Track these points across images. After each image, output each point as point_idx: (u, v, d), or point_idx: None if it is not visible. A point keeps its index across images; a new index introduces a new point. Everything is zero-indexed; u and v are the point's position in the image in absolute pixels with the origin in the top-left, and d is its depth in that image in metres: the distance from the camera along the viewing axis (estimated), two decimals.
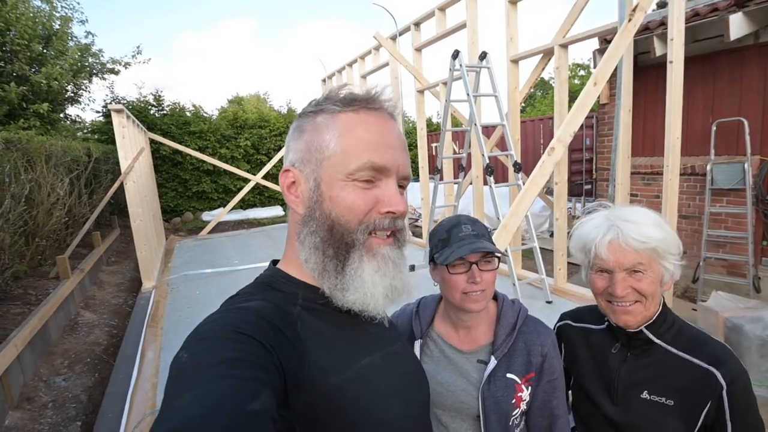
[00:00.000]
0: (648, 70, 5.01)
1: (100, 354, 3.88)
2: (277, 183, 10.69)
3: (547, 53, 4.51)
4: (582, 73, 17.73)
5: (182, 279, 5.57)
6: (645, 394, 0.99)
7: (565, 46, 4.15)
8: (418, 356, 1.05)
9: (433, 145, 11.55)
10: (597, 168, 6.71)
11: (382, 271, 0.61)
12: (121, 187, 5.37)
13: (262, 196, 11.42)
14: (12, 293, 4.07)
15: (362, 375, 0.60)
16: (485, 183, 5.15)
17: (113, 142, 9.46)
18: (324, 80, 9.24)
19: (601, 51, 4.89)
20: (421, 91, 6.16)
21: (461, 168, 5.26)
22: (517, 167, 4.31)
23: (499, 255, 0.97)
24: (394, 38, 6.26)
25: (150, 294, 5.04)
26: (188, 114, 10.75)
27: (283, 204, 11.70)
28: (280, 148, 10.88)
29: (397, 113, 0.66)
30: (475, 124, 4.37)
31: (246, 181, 9.92)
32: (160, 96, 10.47)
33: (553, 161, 2.78)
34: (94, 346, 4.01)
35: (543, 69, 4.83)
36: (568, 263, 4.39)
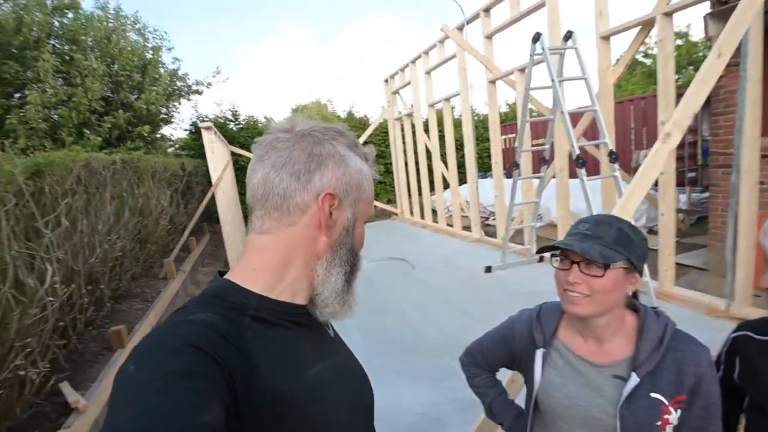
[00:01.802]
0: None
1: None
2: None
3: (647, 24, 3.99)
4: (679, 42, 15.69)
5: None
6: None
7: (669, 15, 3.64)
8: (540, 366, 1.01)
9: (503, 137, 11.00)
10: (705, 152, 5.91)
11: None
12: (212, 196, 5.86)
13: None
14: (132, 292, 4.76)
15: (313, 383, 0.62)
16: (572, 176, 4.77)
17: (200, 156, 10.30)
18: (387, 80, 9.17)
19: (715, 15, 4.22)
20: (493, 82, 5.83)
21: (543, 161, 4.87)
22: (613, 157, 3.87)
23: (600, 263, 0.89)
24: (461, 28, 6.01)
25: None
26: (261, 126, 11.26)
27: None
28: None
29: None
30: (562, 112, 4.00)
31: None
32: (236, 111, 11.12)
33: (669, 149, 2.40)
34: None
35: (642, 43, 4.30)
36: (677, 264, 3.87)
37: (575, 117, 6.33)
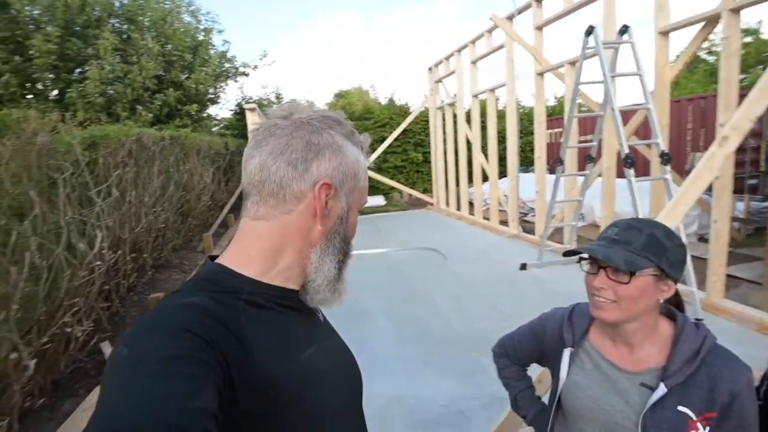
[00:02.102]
0: None
1: None
2: (381, 174, 10.86)
3: (711, 21, 3.72)
4: (748, 39, 14.48)
5: None
6: None
7: (736, 11, 3.37)
8: (567, 366, 1.00)
9: (548, 132, 10.62)
10: None
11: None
12: None
13: None
14: (172, 262, 5.02)
15: (306, 367, 0.62)
16: (620, 176, 4.56)
17: (243, 136, 10.60)
18: (430, 69, 9.02)
19: None
20: (541, 74, 5.62)
21: (588, 158, 4.67)
22: (666, 158, 3.65)
23: (625, 270, 0.87)
24: (511, 18, 5.80)
25: None
26: None
27: (385, 194, 11.84)
28: (383, 139, 10.99)
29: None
30: (612, 108, 3.80)
31: None
32: (280, 94, 11.33)
33: (725, 153, 2.24)
34: None
35: (704, 39, 4.02)
36: (727, 276, 3.63)
37: (627, 114, 6.04)
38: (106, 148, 3.48)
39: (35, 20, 7.85)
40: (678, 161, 6.62)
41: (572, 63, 5.03)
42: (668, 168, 3.64)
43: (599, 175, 4.93)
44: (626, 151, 3.58)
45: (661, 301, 0.91)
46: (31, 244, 2.22)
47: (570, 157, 5.24)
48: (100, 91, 7.73)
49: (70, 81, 8.03)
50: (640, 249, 0.88)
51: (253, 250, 0.64)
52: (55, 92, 8.29)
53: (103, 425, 0.41)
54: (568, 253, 1.00)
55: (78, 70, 8.42)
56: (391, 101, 12.82)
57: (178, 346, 0.48)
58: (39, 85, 8.28)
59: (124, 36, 8.67)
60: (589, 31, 4.00)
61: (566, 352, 1.02)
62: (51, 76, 7.97)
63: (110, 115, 7.86)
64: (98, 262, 2.57)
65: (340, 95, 19.89)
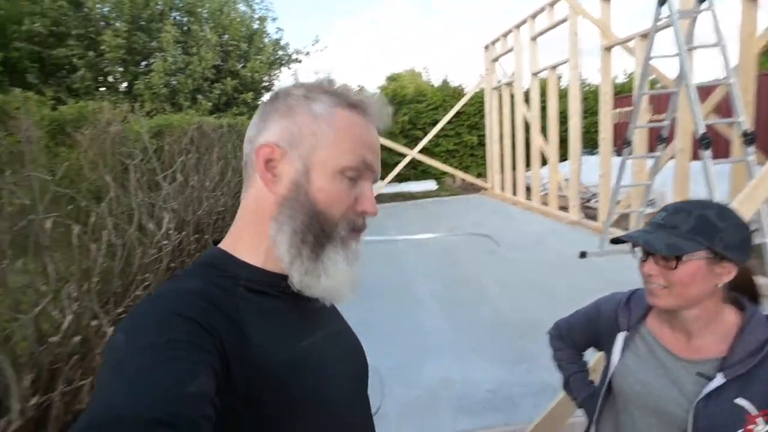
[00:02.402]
0: None
1: None
2: (432, 158, 10.69)
3: None
4: None
5: None
6: None
7: None
8: (620, 350, 0.99)
9: (616, 111, 9.89)
10: None
11: (351, 264, 0.64)
12: None
13: (416, 170, 11.59)
14: None
15: (306, 353, 0.61)
16: (695, 158, 4.18)
17: None
18: (486, 47, 8.67)
19: None
20: (608, 48, 5.23)
21: (660, 139, 4.30)
22: (749, 138, 3.29)
23: (668, 256, 0.85)
24: None
25: None
26: None
27: (437, 178, 11.66)
28: (435, 122, 10.77)
29: (382, 126, 0.68)
30: (687, 85, 3.46)
31: (401, 155, 10.16)
32: (331, 81, 11.41)
33: None
34: None
35: None
36: None
37: (705, 91, 5.49)
38: (170, 136, 3.70)
39: (105, 17, 8.45)
40: (764, 141, 5.95)
41: (643, 36, 4.63)
42: (752, 149, 3.27)
43: (672, 158, 4.54)
44: (702, 130, 3.26)
45: (719, 285, 0.87)
46: (107, 224, 2.42)
47: (639, 138, 4.86)
48: (164, 82, 8.23)
49: (137, 73, 8.60)
50: (687, 232, 0.86)
51: (243, 232, 0.63)
52: (125, 84, 8.92)
53: (99, 412, 0.41)
54: (614, 241, 0.98)
55: (144, 62, 8.99)
56: (445, 83, 12.52)
57: (174, 331, 0.48)
58: (110, 78, 8.95)
59: (185, 28, 9.11)
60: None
61: (620, 336, 1.01)
62: (120, 69, 8.57)
63: (173, 105, 8.35)
64: (165, 242, 2.76)
65: (392, 78, 19.71)
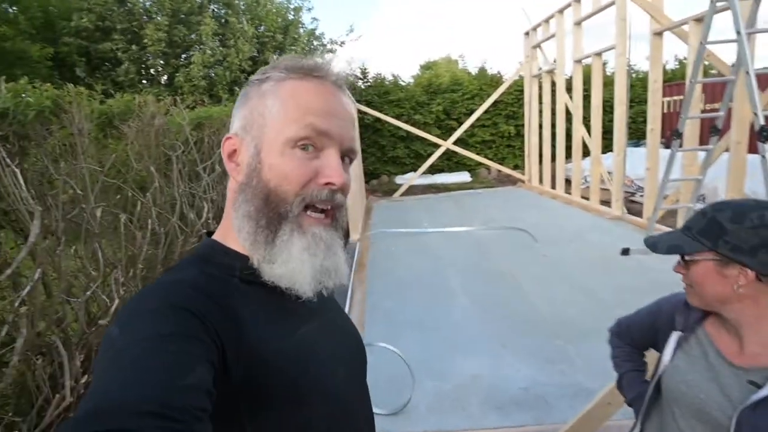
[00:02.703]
0: None
1: None
2: (467, 149, 10.49)
3: None
4: None
5: (381, 235, 6.14)
6: None
7: None
8: (672, 349, 0.99)
9: (665, 100, 9.33)
10: None
11: (312, 251, 0.58)
12: None
13: (450, 162, 11.41)
14: None
15: (302, 342, 0.60)
16: (751, 150, 3.90)
17: None
18: (527, 33, 8.37)
19: None
20: (659, 33, 4.93)
21: (713, 130, 4.03)
22: (765, 134, 3.03)
23: (686, 255, 0.88)
24: None
25: (356, 245, 5.67)
26: (388, 84, 11.34)
27: (471, 170, 11.44)
28: (471, 112, 10.52)
29: (346, 86, 0.65)
30: (747, 72, 3.22)
31: (435, 146, 10.03)
32: (365, 69, 11.35)
33: None
34: None
35: None
36: None
37: (764, 78, 5.09)
38: (210, 128, 3.80)
39: (147, 11, 8.74)
40: None
41: (698, 20, 4.33)
42: None
43: (726, 150, 4.25)
44: (762, 122, 3.03)
45: (738, 288, 0.84)
46: (152, 213, 2.53)
47: (690, 130, 4.57)
48: (203, 74, 8.45)
49: (178, 66, 8.86)
50: (696, 233, 0.88)
51: (227, 223, 0.63)
52: (165, 77, 9.22)
53: (95, 403, 0.41)
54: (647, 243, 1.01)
55: (183, 55, 9.25)
56: (482, 70, 12.12)
57: (169, 322, 0.48)
58: (152, 71, 9.27)
59: (222, 20, 9.28)
60: None
61: (674, 335, 1.01)
62: (161, 62, 8.85)
63: (212, 97, 8.57)
64: (204, 231, 2.86)
65: (426, 67, 19.40)
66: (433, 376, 2.64)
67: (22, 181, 1.81)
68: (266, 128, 0.59)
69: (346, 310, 3.66)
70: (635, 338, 1.18)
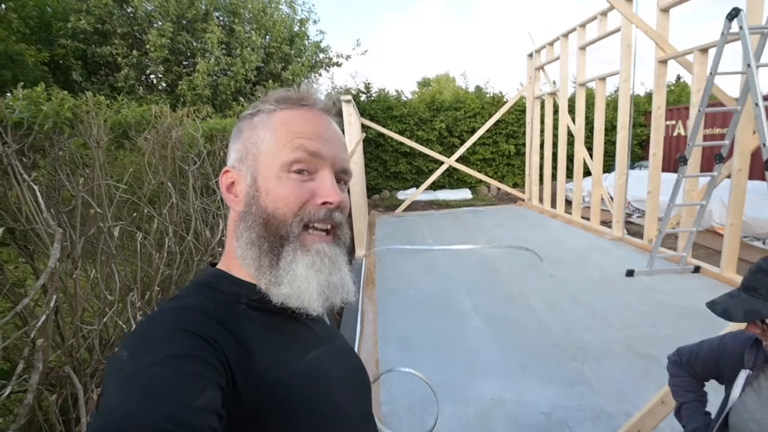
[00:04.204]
0: None
1: None
2: (468, 166, 10.54)
3: None
4: None
5: (386, 252, 6.11)
6: None
7: None
8: (741, 387, 0.99)
9: (667, 123, 9.49)
10: None
11: (317, 267, 0.60)
12: None
13: (451, 178, 11.45)
14: None
15: (310, 368, 0.61)
16: (750, 177, 3.97)
17: None
18: (531, 54, 8.49)
19: None
20: (663, 61, 5.02)
21: (718, 158, 4.11)
22: None
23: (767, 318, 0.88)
24: None
25: (361, 261, 5.63)
26: (391, 99, 11.37)
27: (471, 187, 11.49)
28: (473, 130, 10.62)
29: (333, 112, 0.67)
30: (756, 104, 3.30)
31: (437, 162, 10.06)
32: (369, 84, 11.37)
33: None
34: None
35: None
36: None
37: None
38: (222, 141, 3.73)
39: (150, 16, 8.59)
40: None
41: (703, 50, 4.42)
42: None
43: (727, 177, 4.32)
44: None
45: None
46: (168, 231, 2.45)
47: (693, 156, 4.64)
48: (207, 83, 8.32)
49: (180, 74, 8.72)
50: (766, 294, 0.86)
51: (230, 252, 0.64)
52: (164, 84, 9.00)
53: (106, 423, 0.41)
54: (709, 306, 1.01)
55: (185, 62, 9.09)
56: (478, 88, 12.21)
57: (179, 346, 0.48)
58: (153, 78, 9.07)
59: (227, 28, 9.18)
60: (734, 13, 3.49)
61: (743, 373, 1.01)
62: (162, 68, 8.67)
63: (215, 107, 8.44)
64: (220, 249, 2.78)
65: (423, 83, 19.55)
66: (454, 401, 2.60)
67: (41, 200, 1.72)
68: (260, 157, 0.61)
69: (358, 329, 3.62)
70: (697, 370, 1.20)
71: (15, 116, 1.93)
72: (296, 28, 10.05)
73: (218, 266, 0.65)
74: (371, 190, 11.39)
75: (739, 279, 4.19)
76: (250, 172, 0.62)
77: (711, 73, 3.80)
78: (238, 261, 0.62)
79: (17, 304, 1.78)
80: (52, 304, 1.51)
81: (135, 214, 2.60)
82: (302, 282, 0.59)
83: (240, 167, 0.63)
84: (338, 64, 10.92)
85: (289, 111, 0.63)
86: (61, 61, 8.37)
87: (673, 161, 8.80)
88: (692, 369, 1.20)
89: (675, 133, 9.63)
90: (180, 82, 8.48)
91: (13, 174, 1.83)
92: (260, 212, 0.60)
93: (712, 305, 0.96)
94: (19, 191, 1.86)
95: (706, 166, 5.63)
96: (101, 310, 1.89)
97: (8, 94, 2.23)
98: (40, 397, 1.55)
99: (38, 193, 1.77)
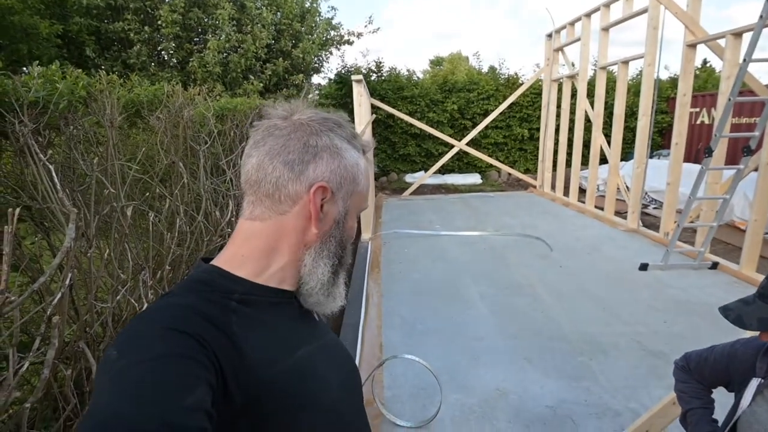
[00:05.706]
0: None
1: None
2: (479, 150, 10.35)
3: None
4: None
5: (393, 235, 6.08)
6: None
7: None
8: (751, 395, 0.99)
9: (690, 110, 9.18)
10: None
11: (342, 288, 0.72)
12: None
13: (460, 162, 11.28)
14: None
15: (302, 363, 0.63)
16: None
17: (341, 106, 10.66)
18: (550, 35, 8.23)
19: None
20: (692, 45, 4.82)
21: (746, 150, 3.96)
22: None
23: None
24: None
25: (367, 244, 5.63)
26: (402, 79, 11.15)
27: (481, 172, 11.33)
28: (485, 112, 10.39)
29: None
30: None
31: (447, 145, 9.91)
32: (380, 63, 11.15)
33: None
34: None
35: None
36: None
37: None
38: (232, 120, 3.70)
39: None
40: None
41: (736, 34, 4.22)
42: None
43: (755, 170, 4.18)
44: None
45: None
46: (179, 211, 2.45)
47: (719, 147, 4.49)
48: (218, 60, 8.24)
49: (192, 50, 8.65)
50: None
51: (247, 251, 0.64)
52: (174, 60, 8.95)
53: (97, 422, 0.41)
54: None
55: (196, 39, 8.99)
56: (492, 69, 11.87)
57: (168, 345, 0.49)
58: (164, 54, 9.02)
59: (238, 4, 9.01)
60: None
61: (754, 382, 1.00)
62: (173, 45, 8.59)
63: (225, 84, 8.37)
64: (229, 230, 2.78)
65: (436, 62, 19.16)
66: (456, 389, 2.60)
67: (57, 180, 1.72)
68: (354, 195, 0.68)
69: (362, 312, 3.64)
70: (705, 376, 1.18)
71: (31, 95, 1.91)
72: (307, 4, 9.82)
73: (217, 263, 0.65)
74: (378, 172, 11.32)
75: (759, 278, 4.12)
76: (343, 203, 0.67)
77: (745, 60, 3.64)
78: (242, 263, 0.64)
79: (34, 280, 1.81)
80: (67, 281, 1.52)
81: (147, 193, 2.60)
82: (340, 300, 0.71)
83: (336, 191, 0.66)
84: (350, 42, 10.68)
85: (365, 163, 0.70)
86: (74, 37, 8.34)
87: (695, 151, 8.57)
88: (700, 375, 1.19)
89: (698, 121, 9.33)
90: (191, 59, 8.41)
91: (30, 153, 1.82)
92: (339, 239, 0.68)
93: (725, 311, 0.95)
94: (35, 170, 1.86)
95: (731, 158, 5.46)
96: (114, 288, 1.90)
97: (24, 69, 2.21)
98: (56, 371, 1.58)
99: (53, 172, 1.76)
